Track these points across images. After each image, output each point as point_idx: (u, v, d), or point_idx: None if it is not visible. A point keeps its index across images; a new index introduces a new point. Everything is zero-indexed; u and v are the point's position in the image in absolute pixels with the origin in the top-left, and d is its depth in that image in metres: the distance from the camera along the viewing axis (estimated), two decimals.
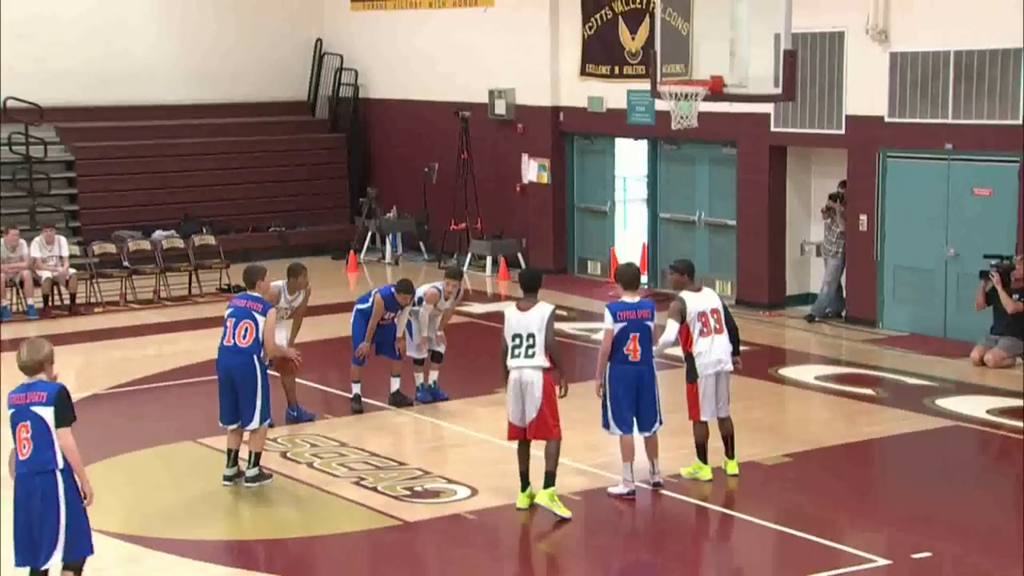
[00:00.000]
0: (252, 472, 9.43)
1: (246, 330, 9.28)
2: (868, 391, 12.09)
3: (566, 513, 8.69)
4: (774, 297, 15.61)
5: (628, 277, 9.19)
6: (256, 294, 9.52)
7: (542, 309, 8.73)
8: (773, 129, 15.23)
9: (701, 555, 8.75)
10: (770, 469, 9.85)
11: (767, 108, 14.82)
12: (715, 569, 8.50)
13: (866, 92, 14.28)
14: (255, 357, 9.29)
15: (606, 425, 9.18)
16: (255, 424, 9.33)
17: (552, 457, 8.72)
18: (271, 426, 10.00)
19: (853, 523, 8.88)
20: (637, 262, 17.22)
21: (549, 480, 8.70)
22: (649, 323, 9.03)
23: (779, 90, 10.71)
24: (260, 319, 9.31)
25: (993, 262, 13.02)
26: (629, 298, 9.10)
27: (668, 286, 9.70)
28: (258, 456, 9.47)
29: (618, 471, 9.43)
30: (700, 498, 9.20)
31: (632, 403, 9.06)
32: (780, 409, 11.87)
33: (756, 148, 15.48)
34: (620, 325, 8.96)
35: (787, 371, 12.94)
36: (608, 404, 9.10)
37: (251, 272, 9.70)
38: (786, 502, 9.29)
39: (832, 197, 14.88)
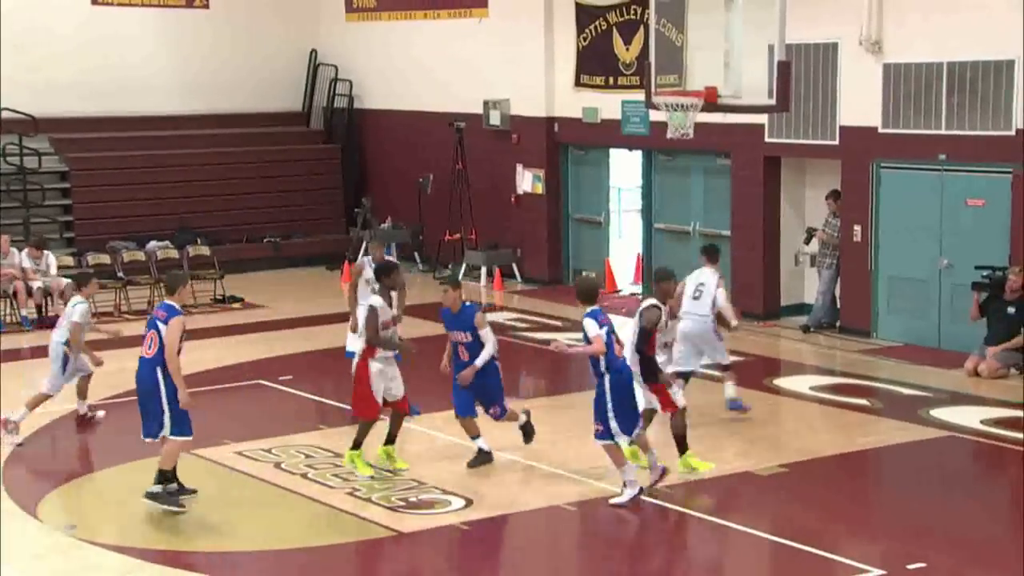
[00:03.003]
0: (153, 489, 9.02)
1: (152, 341, 8.97)
2: (863, 401, 12.10)
3: (367, 473, 9.69)
4: (769, 307, 15.62)
5: (589, 292, 9.24)
6: (169, 302, 9.18)
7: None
8: (767, 140, 15.26)
9: (695, 566, 8.74)
10: (765, 480, 9.85)
11: (761, 119, 14.85)
12: None
13: (860, 103, 14.32)
14: (157, 368, 8.94)
15: (608, 435, 9.03)
16: (164, 433, 9.00)
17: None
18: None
19: (848, 534, 8.88)
20: (632, 270, 17.33)
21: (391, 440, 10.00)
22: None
23: (773, 101, 10.74)
24: (163, 328, 8.94)
25: (985, 273, 13.05)
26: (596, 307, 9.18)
27: (656, 295, 9.79)
28: (162, 473, 9.05)
29: (616, 481, 9.44)
30: (695, 508, 9.19)
31: (633, 406, 9.17)
32: (775, 420, 11.87)
33: (750, 159, 15.51)
34: (604, 329, 9.02)
35: (782, 381, 12.95)
36: (610, 415, 9.02)
37: (172, 279, 9.42)
38: (781, 513, 9.28)
39: (809, 234, 14.98)
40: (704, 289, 11.37)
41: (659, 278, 9.98)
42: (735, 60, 10.94)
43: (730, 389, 11.37)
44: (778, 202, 15.65)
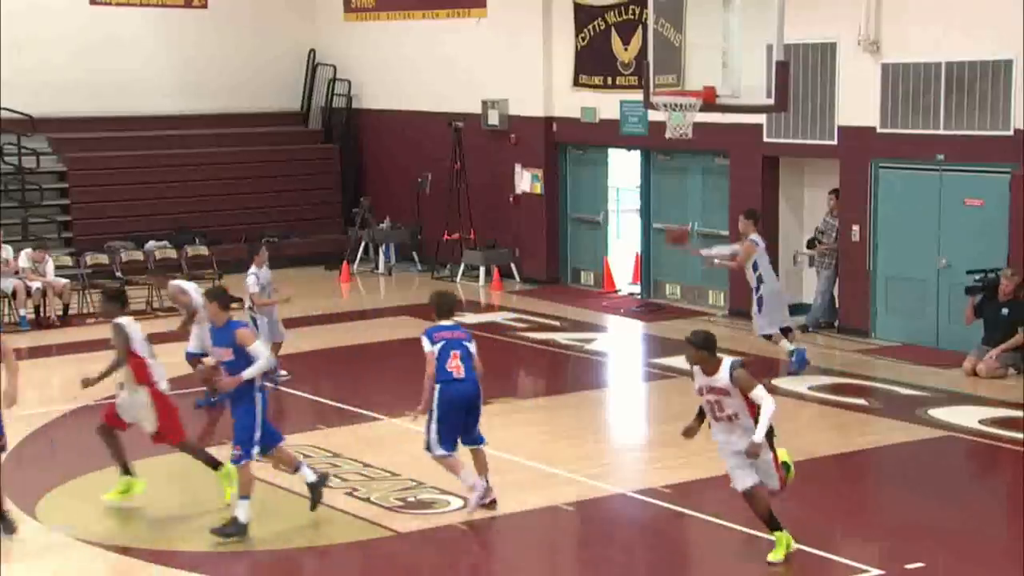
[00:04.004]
0: None
1: None
2: (861, 401, 12.10)
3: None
4: None
5: (443, 307, 9.16)
6: None
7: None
8: (766, 139, 15.27)
9: (693, 565, 8.74)
10: None
11: (759, 119, 14.85)
12: None
13: (858, 103, 14.32)
14: None
15: (429, 447, 8.93)
16: None
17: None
18: None
19: (846, 533, 8.88)
20: (631, 270, 17.30)
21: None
22: (467, 343, 9.00)
23: (772, 101, 10.75)
24: None
25: (977, 277, 13.05)
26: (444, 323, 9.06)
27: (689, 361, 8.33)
28: None
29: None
30: (692, 508, 9.18)
31: (460, 423, 8.96)
32: (775, 420, 11.85)
33: (748, 158, 15.51)
34: (439, 345, 8.89)
35: (780, 381, 12.93)
36: (433, 425, 8.88)
37: None
38: (778, 512, 9.26)
39: (810, 243, 14.96)
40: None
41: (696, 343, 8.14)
42: (733, 60, 10.95)
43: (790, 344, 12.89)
44: (776, 202, 15.66)
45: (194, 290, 11.89)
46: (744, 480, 8.17)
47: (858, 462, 10.53)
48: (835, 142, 14.64)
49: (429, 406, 8.86)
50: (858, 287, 14.65)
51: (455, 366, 8.89)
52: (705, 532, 8.99)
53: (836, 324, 14.98)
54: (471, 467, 9.04)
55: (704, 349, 8.09)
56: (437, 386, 8.87)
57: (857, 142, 14.41)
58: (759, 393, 7.97)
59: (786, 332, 12.92)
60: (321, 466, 10.11)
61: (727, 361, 8.05)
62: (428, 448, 8.98)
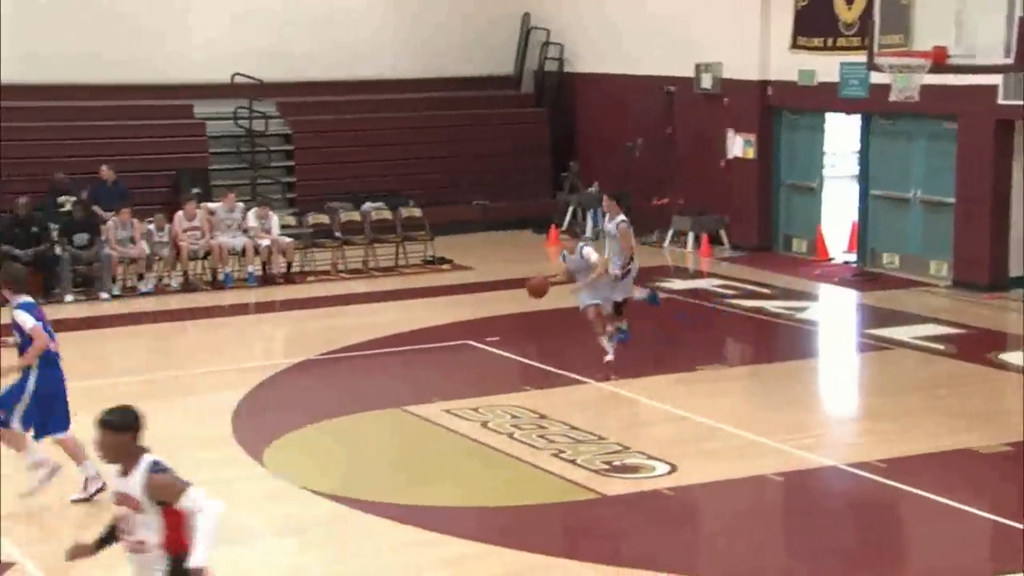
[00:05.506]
0: None
1: None
2: None
3: None
4: (996, 279, 14.82)
5: (24, 280, 8.60)
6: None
7: None
8: (1000, 102, 14.40)
9: (907, 543, 8.41)
10: (988, 458, 9.38)
11: (994, 80, 14.02)
12: (932, 558, 8.14)
13: None
14: None
15: (6, 423, 8.39)
16: None
17: None
18: None
19: None
20: (847, 238, 16.72)
21: None
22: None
23: (1010, 60, 10.12)
24: None
25: None
26: (28, 298, 8.46)
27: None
28: None
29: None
30: (909, 484, 8.82)
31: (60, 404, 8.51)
32: (1000, 396, 11.25)
33: (980, 122, 14.68)
34: (42, 322, 8.42)
35: (1008, 356, 12.27)
36: (30, 404, 8.39)
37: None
38: (1005, 493, 8.81)
39: None
40: None
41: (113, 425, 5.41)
42: (968, 17, 10.36)
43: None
44: (1009, 168, 14.79)
45: None
46: None
47: None
48: None
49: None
50: None
51: (56, 346, 8.54)
52: (922, 509, 8.63)
53: None
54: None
55: (125, 433, 5.24)
56: (39, 366, 8.42)
57: None
58: (191, 500, 5.12)
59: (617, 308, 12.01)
60: (528, 427, 10.24)
61: (145, 460, 5.24)
62: (4, 425, 8.42)
